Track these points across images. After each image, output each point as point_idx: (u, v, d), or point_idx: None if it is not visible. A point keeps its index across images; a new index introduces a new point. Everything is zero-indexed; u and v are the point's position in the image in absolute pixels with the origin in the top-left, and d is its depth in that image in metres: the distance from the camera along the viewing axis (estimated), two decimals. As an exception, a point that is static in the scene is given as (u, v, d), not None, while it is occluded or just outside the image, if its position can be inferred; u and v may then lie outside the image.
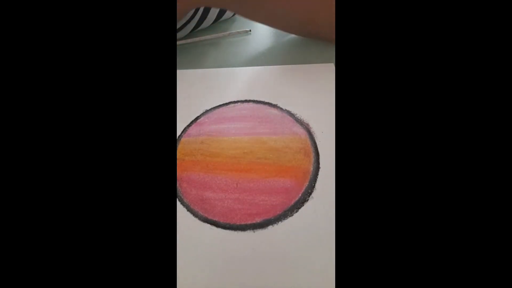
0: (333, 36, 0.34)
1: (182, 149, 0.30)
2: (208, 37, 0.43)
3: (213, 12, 0.44)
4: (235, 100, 0.33)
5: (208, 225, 0.25)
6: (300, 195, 0.26)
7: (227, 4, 0.32)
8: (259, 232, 0.24)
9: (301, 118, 0.31)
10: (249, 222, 0.25)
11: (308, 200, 0.25)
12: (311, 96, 0.33)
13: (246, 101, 0.33)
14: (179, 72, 0.37)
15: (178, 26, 0.42)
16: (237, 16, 0.46)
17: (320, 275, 0.22)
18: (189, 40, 0.42)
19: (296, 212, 0.25)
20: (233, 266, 0.23)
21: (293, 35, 0.41)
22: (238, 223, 0.25)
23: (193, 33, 0.43)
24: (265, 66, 0.37)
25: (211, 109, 0.33)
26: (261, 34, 0.43)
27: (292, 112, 0.31)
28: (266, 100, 0.33)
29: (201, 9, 0.42)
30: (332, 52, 0.38)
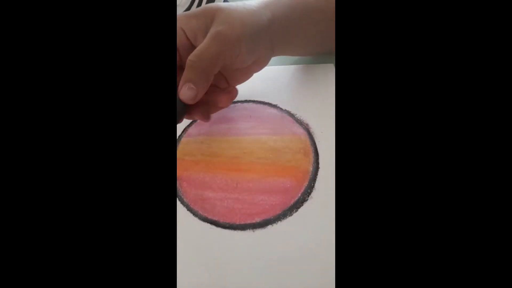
0: None
1: (182, 149, 0.30)
2: (208, 37, 0.43)
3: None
4: (235, 100, 0.33)
5: (208, 224, 0.25)
6: (299, 195, 0.26)
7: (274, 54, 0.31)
8: (259, 232, 0.24)
9: (301, 118, 0.31)
10: (248, 222, 0.25)
11: (307, 200, 0.25)
12: (311, 96, 0.33)
13: (246, 101, 0.33)
14: (179, 72, 0.37)
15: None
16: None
17: (320, 275, 0.22)
18: (189, 40, 0.42)
19: (296, 212, 0.25)
20: (232, 266, 0.23)
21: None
22: (237, 223, 0.25)
23: (193, 33, 0.43)
24: (265, 66, 0.37)
25: (211, 109, 0.33)
26: (261, 34, 0.42)
27: (292, 112, 0.31)
28: (266, 100, 0.33)
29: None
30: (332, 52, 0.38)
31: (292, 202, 0.25)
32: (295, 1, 0.29)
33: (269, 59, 0.30)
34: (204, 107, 0.28)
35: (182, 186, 0.27)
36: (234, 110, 0.32)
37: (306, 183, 0.26)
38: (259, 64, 0.29)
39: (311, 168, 0.27)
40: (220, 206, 0.26)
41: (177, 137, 0.30)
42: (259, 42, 0.27)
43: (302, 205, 0.25)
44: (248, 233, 0.24)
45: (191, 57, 0.24)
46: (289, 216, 0.25)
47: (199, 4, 0.42)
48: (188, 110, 0.26)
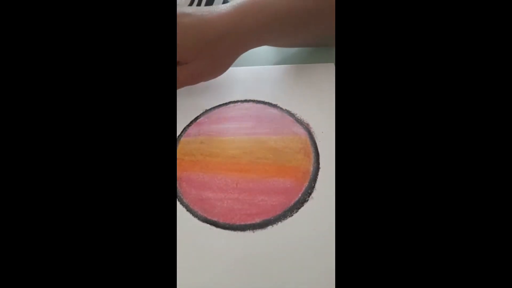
0: None
1: (181, 149, 0.30)
2: (208, 37, 0.42)
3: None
4: (235, 100, 0.33)
5: (208, 225, 0.25)
6: (300, 195, 0.26)
7: (266, 42, 0.34)
8: (259, 232, 0.24)
9: (301, 118, 0.31)
10: (248, 222, 0.24)
11: (308, 200, 0.25)
12: (311, 96, 0.32)
13: (246, 101, 0.33)
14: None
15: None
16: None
17: (320, 275, 0.22)
18: (189, 40, 0.42)
19: (296, 212, 0.25)
20: (232, 266, 0.23)
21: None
22: (237, 223, 0.25)
23: (193, 33, 0.43)
24: (265, 66, 0.37)
25: (211, 109, 0.33)
26: (261, 34, 0.42)
27: (292, 112, 0.31)
28: (266, 100, 0.33)
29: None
30: (332, 52, 0.38)
31: (292, 202, 0.25)
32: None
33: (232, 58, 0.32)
34: None
35: (182, 186, 0.27)
36: (234, 110, 0.32)
37: (306, 183, 0.26)
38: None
39: (311, 168, 0.27)
40: (220, 207, 0.25)
41: (177, 137, 0.30)
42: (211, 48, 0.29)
43: (303, 205, 0.25)
44: (248, 234, 0.24)
45: None
46: (290, 216, 0.24)
47: (199, 4, 0.42)
48: None
